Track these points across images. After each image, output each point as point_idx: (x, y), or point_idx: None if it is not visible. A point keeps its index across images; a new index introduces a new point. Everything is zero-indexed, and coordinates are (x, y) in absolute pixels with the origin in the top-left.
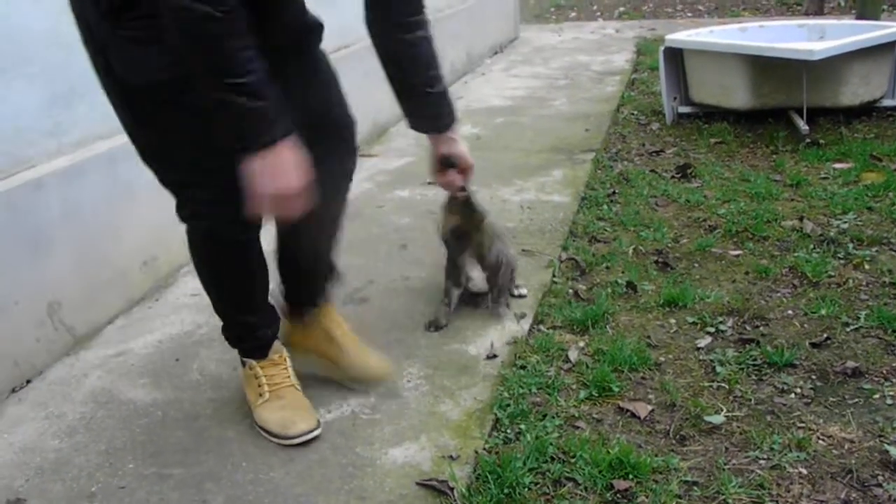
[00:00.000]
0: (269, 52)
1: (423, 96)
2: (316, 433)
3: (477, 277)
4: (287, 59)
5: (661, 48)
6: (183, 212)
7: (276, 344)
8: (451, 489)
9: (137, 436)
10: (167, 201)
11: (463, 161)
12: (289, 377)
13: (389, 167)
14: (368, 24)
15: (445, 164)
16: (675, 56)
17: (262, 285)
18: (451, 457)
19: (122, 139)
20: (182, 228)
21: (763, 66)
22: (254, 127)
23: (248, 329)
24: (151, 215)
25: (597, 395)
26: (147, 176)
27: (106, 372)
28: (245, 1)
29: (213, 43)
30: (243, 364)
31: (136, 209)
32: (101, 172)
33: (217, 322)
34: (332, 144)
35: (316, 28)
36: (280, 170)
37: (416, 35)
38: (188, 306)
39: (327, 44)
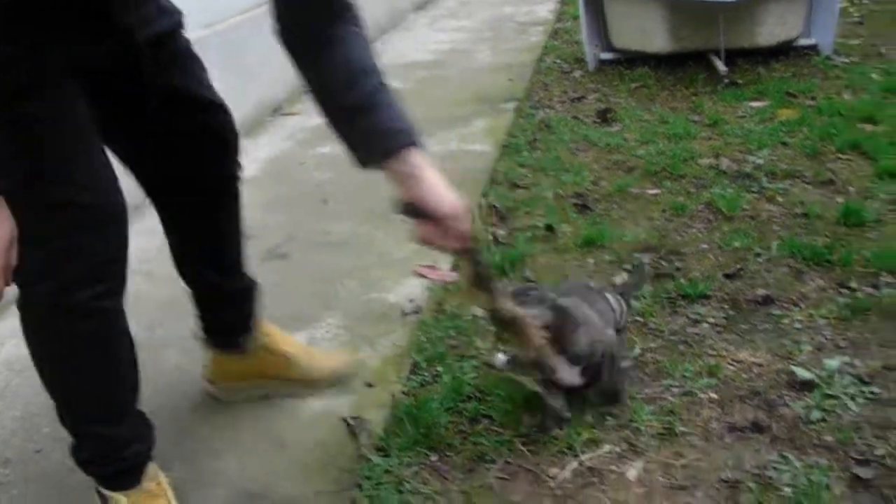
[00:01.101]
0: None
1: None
2: None
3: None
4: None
5: None
6: (24, 274)
7: (152, 467)
8: (367, 431)
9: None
10: None
11: (432, 209)
12: None
13: (310, 124)
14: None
15: (410, 213)
16: (596, 3)
17: (130, 377)
18: (368, 401)
19: None
20: None
21: (681, 10)
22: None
23: (111, 446)
24: None
25: None
26: None
27: (21, 339)
28: None
29: None
30: (103, 501)
31: None
32: None
33: (136, 285)
34: (209, 150)
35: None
36: None
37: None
38: None
39: (236, 5)
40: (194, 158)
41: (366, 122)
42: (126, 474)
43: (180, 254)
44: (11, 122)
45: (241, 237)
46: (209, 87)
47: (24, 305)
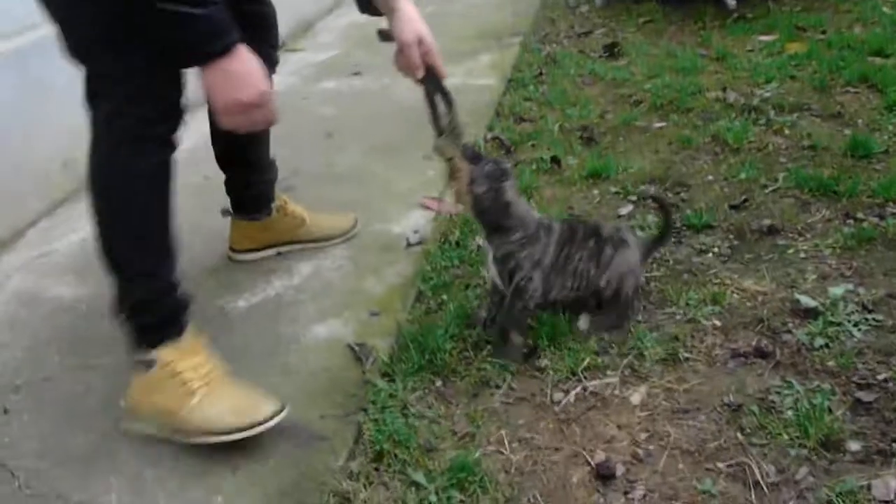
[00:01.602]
0: None
1: None
2: (284, 414)
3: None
4: None
5: None
6: (107, 108)
7: (191, 326)
8: (372, 357)
9: (62, 331)
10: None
11: (398, 34)
12: (218, 365)
13: (315, 60)
14: None
15: (384, 39)
16: None
17: (173, 223)
18: (373, 329)
19: (31, 36)
20: None
21: None
22: (203, 35)
23: (159, 289)
24: (68, 114)
25: None
26: (62, 74)
27: (29, 272)
28: None
29: None
30: (148, 366)
31: (51, 109)
32: (8, 72)
33: None
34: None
35: None
36: (241, 78)
37: None
38: None
39: None
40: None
41: None
42: (170, 323)
43: (218, 134)
44: None
45: None
46: None
47: (106, 139)
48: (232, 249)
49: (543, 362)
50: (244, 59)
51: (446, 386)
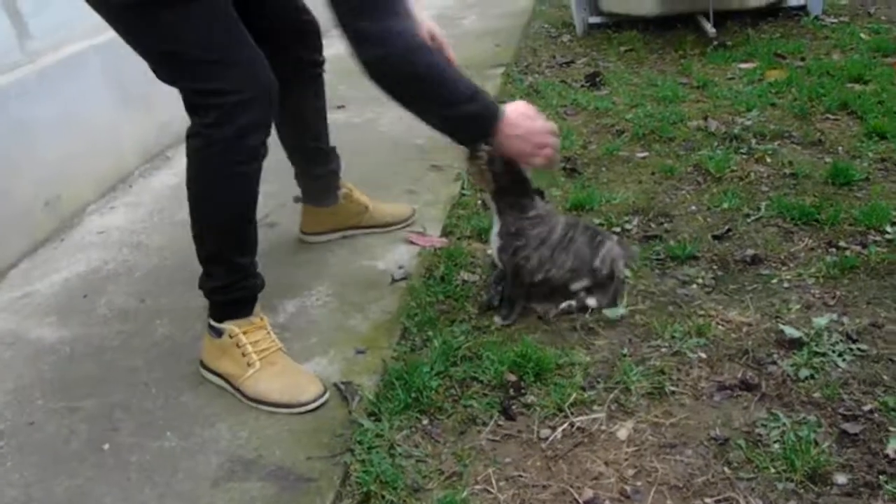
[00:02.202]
0: None
1: None
2: (326, 398)
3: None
4: None
5: None
6: (206, 119)
7: (258, 306)
8: (358, 396)
9: (45, 372)
10: (67, 139)
11: None
12: (275, 341)
13: None
14: None
15: None
16: None
17: (254, 225)
18: (359, 367)
19: (11, 77)
20: (82, 168)
21: None
22: (482, 118)
23: (241, 274)
24: (51, 153)
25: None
26: (45, 112)
27: (11, 313)
28: None
29: (430, 80)
30: (218, 334)
31: (32, 149)
32: None
33: (125, 257)
34: (299, 44)
35: None
36: (523, 129)
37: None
38: (95, 244)
39: None
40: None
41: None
42: (244, 303)
43: (283, 127)
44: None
45: (326, 112)
46: None
47: (206, 146)
48: (303, 232)
49: (529, 398)
50: (515, 114)
51: (433, 424)
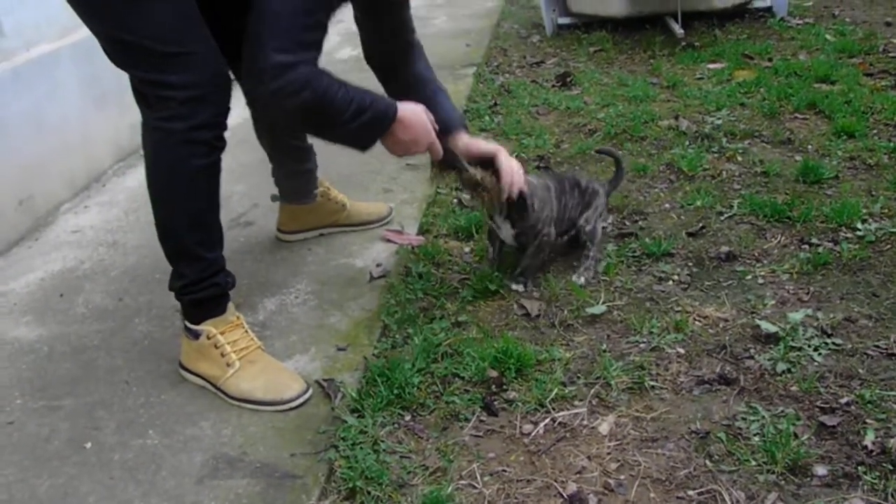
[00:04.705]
0: None
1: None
2: (309, 394)
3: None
4: None
5: None
6: (160, 113)
7: (231, 305)
8: (341, 393)
9: (24, 372)
10: (40, 137)
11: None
12: (254, 339)
13: None
14: (367, 59)
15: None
16: None
17: (218, 218)
18: (340, 364)
19: None
20: (55, 167)
21: None
22: (375, 124)
23: (209, 269)
24: (24, 152)
25: (482, 296)
26: (18, 111)
27: None
28: None
29: (322, 109)
30: (195, 336)
31: (7, 147)
32: None
33: (101, 255)
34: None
35: None
36: (411, 131)
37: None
38: (69, 243)
39: None
40: None
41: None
42: (216, 300)
43: (262, 125)
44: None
45: None
46: None
47: (160, 140)
48: (280, 230)
49: (511, 394)
50: (407, 125)
51: (416, 420)
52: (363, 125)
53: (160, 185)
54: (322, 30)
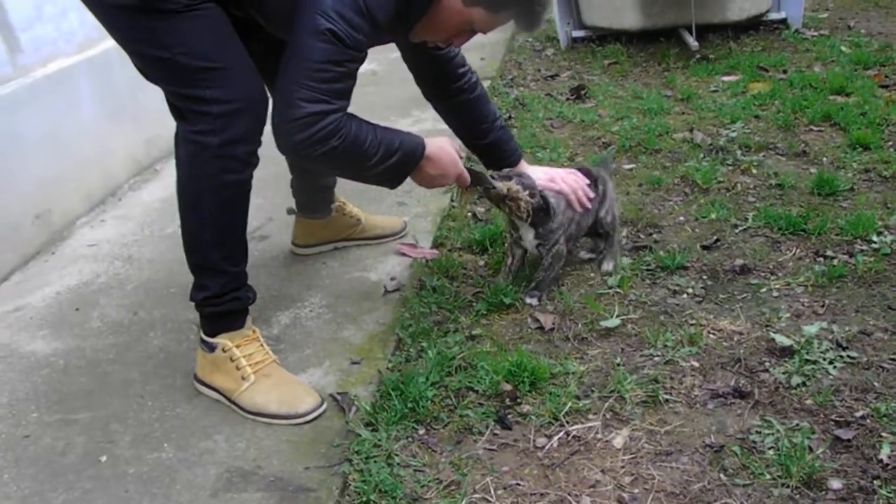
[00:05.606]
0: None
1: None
2: (323, 408)
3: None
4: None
5: None
6: (195, 127)
7: (250, 319)
8: (355, 407)
9: (39, 385)
10: (57, 152)
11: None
12: (269, 353)
13: None
14: (427, 98)
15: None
16: None
17: (245, 235)
18: (354, 378)
19: (1, 91)
20: (72, 181)
21: None
22: (404, 165)
23: (232, 283)
24: (41, 167)
25: (496, 310)
26: (35, 127)
27: (4, 327)
28: None
29: (350, 155)
30: (210, 349)
31: (22, 162)
32: None
33: (116, 269)
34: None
35: None
36: (439, 165)
37: (463, 98)
38: (85, 257)
39: None
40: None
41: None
42: (236, 315)
43: None
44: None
45: None
46: None
47: (194, 153)
48: (294, 244)
49: (525, 408)
50: (435, 160)
51: (429, 434)
52: (391, 167)
53: (190, 197)
54: (351, 78)
